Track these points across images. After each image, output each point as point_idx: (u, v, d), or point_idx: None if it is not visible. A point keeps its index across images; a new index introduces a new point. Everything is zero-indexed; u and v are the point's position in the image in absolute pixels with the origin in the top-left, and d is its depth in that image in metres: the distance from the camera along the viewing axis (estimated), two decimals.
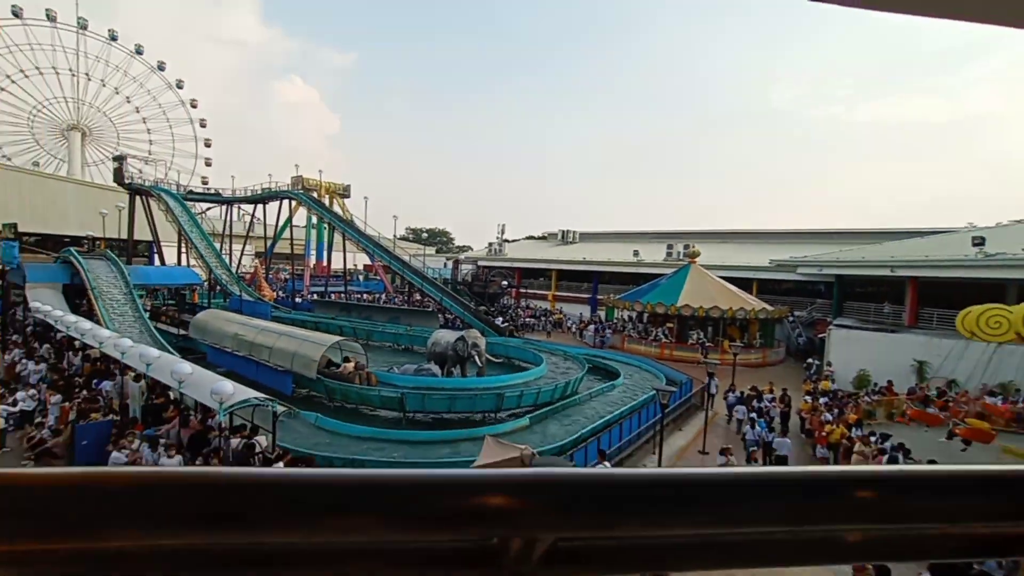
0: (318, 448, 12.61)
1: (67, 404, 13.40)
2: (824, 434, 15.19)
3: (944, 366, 18.62)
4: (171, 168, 71.23)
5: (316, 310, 36.61)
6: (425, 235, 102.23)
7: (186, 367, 11.19)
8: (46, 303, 21.68)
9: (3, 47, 60.14)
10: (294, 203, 46.88)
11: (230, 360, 20.40)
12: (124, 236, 41.10)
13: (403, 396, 16.04)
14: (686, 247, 38.37)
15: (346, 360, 18.97)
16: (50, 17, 61.80)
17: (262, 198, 46.84)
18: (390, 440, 13.63)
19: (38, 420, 13.74)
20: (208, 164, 74.85)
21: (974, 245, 24.42)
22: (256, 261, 53.09)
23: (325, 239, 52.54)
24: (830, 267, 31.31)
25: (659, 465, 11.49)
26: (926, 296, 26.94)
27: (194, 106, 73.19)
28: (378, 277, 55.71)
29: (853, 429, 15.43)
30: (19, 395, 14.38)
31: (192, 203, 46.15)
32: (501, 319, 37.50)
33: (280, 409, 11.03)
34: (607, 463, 11.24)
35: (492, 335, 31.08)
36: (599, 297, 44.93)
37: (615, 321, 38.89)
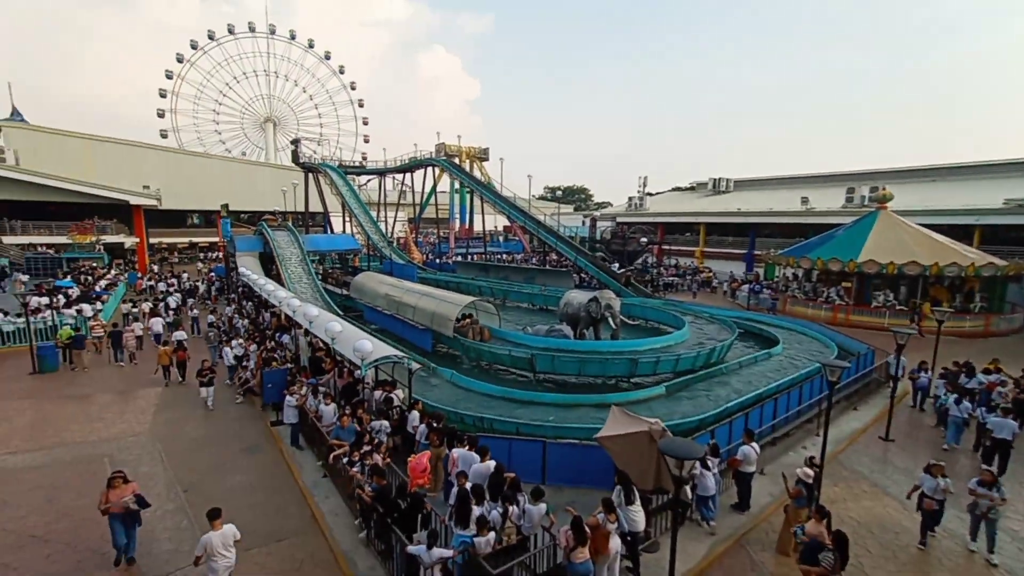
0: (451, 403, 13.28)
1: (260, 352, 16.18)
2: None
3: None
4: (337, 147, 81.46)
5: (458, 271, 38.81)
6: (560, 193, 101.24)
7: (337, 325, 12.51)
8: (249, 268, 26.40)
9: (224, 59, 74.12)
10: (438, 170, 49.69)
11: (382, 318, 22.64)
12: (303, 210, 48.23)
13: (533, 357, 16.04)
14: (872, 190, 31.55)
15: (466, 317, 19.48)
16: (252, 28, 74.47)
17: (409, 167, 50.52)
18: (516, 400, 13.75)
19: (244, 364, 16.87)
20: (367, 141, 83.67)
21: None
22: (407, 226, 58.18)
23: (467, 203, 55.07)
24: None
25: (823, 451, 9.61)
26: None
27: (353, 88, 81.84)
28: (517, 238, 57.01)
29: None
30: (234, 343, 17.77)
31: (352, 176, 51.93)
32: (638, 278, 35.53)
33: (415, 366, 11.73)
34: (755, 444, 9.77)
35: (629, 295, 29.64)
36: (756, 253, 39.84)
37: (776, 280, 34.16)
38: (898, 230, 26.56)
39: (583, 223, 63.20)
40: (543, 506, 7.37)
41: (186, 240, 58.40)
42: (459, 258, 47.98)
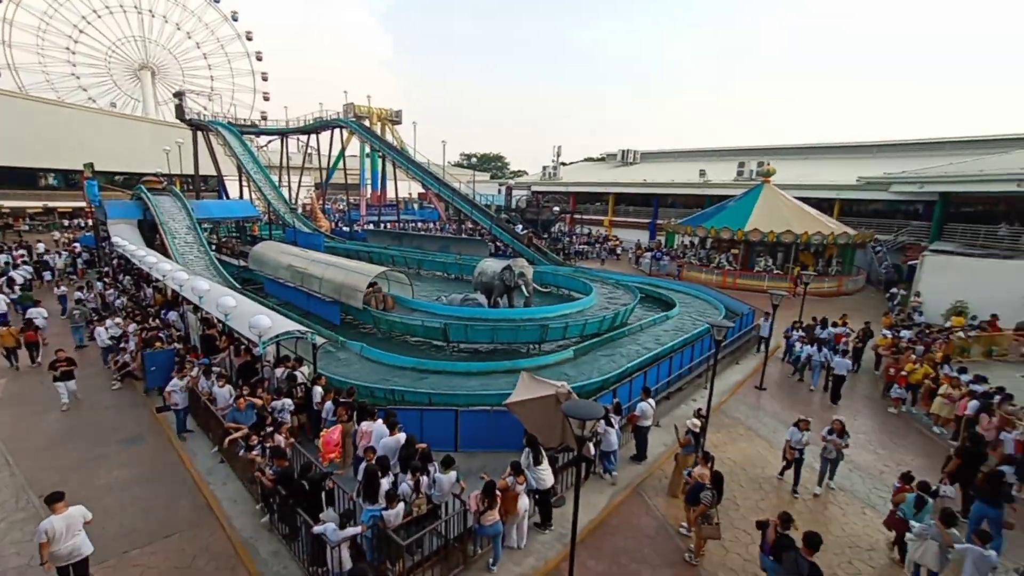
0: (360, 377, 12.93)
1: (141, 332, 14.48)
2: (904, 372, 13.61)
3: None
4: (232, 103, 72.91)
5: (370, 240, 37.26)
6: (476, 160, 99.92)
7: (231, 300, 11.48)
8: (124, 238, 23.26)
9: None
10: (347, 132, 46.58)
11: (285, 291, 21.22)
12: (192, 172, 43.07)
13: (446, 326, 15.99)
14: (760, 165, 34.60)
15: (370, 285, 19.02)
16: None
17: (314, 128, 46.86)
18: (429, 371, 13.72)
19: (121, 345, 15.02)
20: (266, 98, 75.43)
21: None
22: (313, 193, 54.37)
23: (379, 168, 52.46)
24: (935, 183, 27.02)
25: (709, 403, 10.73)
26: None
27: (249, 39, 72.88)
28: (432, 206, 55.69)
29: (941, 368, 13.71)
30: (108, 323, 15.69)
31: (250, 137, 47.18)
32: (551, 245, 36.51)
33: (319, 340, 11.18)
34: (651, 400, 10.64)
35: (542, 263, 30.37)
36: (659, 222, 42.41)
37: (675, 248, 36.74)
38: (778, 201, 29.56)
39: (499, 191, 63.15)
40: (453, 474, 7.51)
41: (39, 204, 49.87)
42: (370, 226, 45.99)
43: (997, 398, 11.25)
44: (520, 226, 38.18)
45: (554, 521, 8.18)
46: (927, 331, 17.57)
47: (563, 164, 60.61)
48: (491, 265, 20.45)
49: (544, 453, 8.12)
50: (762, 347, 16.19)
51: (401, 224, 50.55)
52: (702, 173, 41.85)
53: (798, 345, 15.76)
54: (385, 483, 6.93)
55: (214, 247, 28.24)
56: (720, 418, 12.47)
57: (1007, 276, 20.06)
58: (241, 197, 43.95)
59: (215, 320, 14.04)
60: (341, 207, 60.69)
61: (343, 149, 50.92)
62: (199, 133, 43.81)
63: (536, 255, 31.62)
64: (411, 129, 54.88)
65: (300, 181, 52.86)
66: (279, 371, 11.27)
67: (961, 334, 16.63)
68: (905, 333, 16.99)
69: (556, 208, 42.36)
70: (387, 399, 11.63)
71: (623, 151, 57.36)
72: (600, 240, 44.30)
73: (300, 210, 44.78)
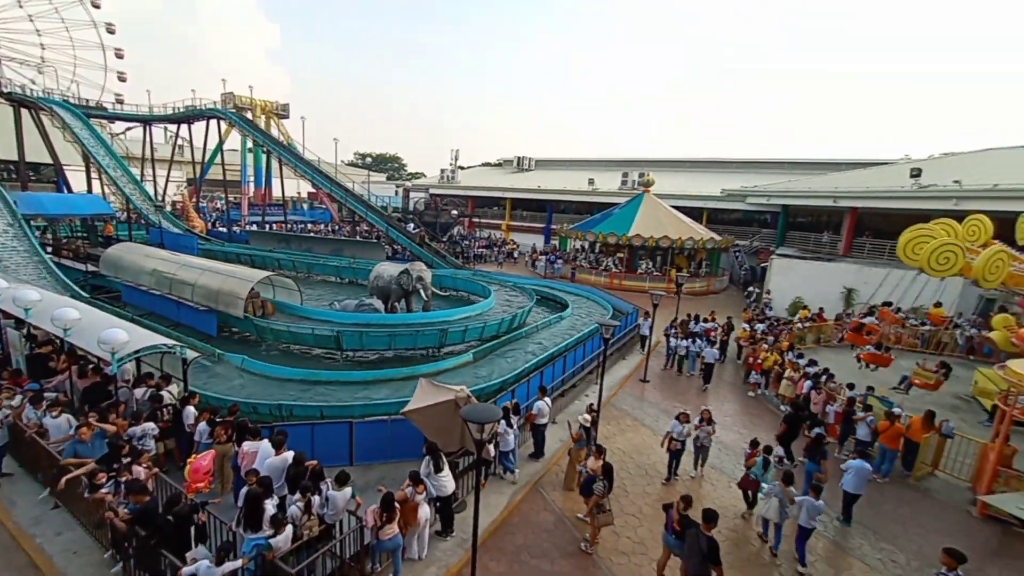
0: (243, 393, 11.81)
1: None
2: (759, 360, 15.71)
3: (870, 293, 19.42)
4: (73, 80, 61.95)
5: (252, 242, 34.17)
6: (371, 160, 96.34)
7: (72, 312, 9.77)
8: None
9: None
10: (225, 124, 42.10)
11: (149, 300, 18.68)
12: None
13: (339, 334, 15.20)
14: (641, 175, 37.67)
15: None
16: None
17: (185, 117, 41.81)
18: (321, 382, 12.94)
19: None
20: (122, 79, 65.04)
21: (911, 177, 24.95)
22: (185, 189, 48.44)
23: (263, 164, 48.17)
24: (778, 197, 31.60)
25: (600, 398, 11.45)
26: (862, 226, 27.83)
27: (96, 6, 62.29)
28: (324, 206, 52.50)
29: (786, 355, 16.03)
30: None
31: (101, 122, 40.70)
32: (451, 249, 36.43)
33: (190, 355, 9.98)
34: (547, 399, 11.08)
35: (441, 267, 30.16)
36: (553, 227, 44.27)
37: (568, 251, 38.63)
38: (657, 210, 32.47)
39: (396, 193, 61.45)
40: (348, 490, 7.16)
41: None
42: (253, 227, 42.19)
43: (824, 378, 13.46)
44: (412, 225, 37.59)
45: (456, 527, 8.16)
46: (776, 324, 20.44)
47: (461, 168, 60.76)
48: (388, 269, 19.87)
49: (445, 459, 8.08)
50: (646, 344, 17.64)
51: (289, 225, 46.98)
52: (591, 182, 44.52)
53: (672, 341, 17.50)
54: (270, 507, 6.39)
55: (49, 249, 23.90)
56: (610, 411, 13.35)
57: (829, 276, 24.12)
58: (90, 191, 37.70)
59: (52, 336, 11.89)
60: (219, 206, 54.77)
61: (221, 142, 45.91)
62: (25, 111, 36.71)
63: (434, 258, 31.34)
64: (300, 124, 51.39)
65: (168, 176, 46.81)
66: (139, 392, 9.86)
67: (799, 325, 19.62)
68: (759, 326, 19.58)
69: (455, 211, 42.40)
70: (273, 415, 10.75)
71: (519, 158, 59.02)
72: (498, 244, 45.10)
73: (169, 208, 39.66)
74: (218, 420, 8.81)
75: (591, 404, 10.92)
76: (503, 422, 9.36)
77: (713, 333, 18.10)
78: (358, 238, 37.72)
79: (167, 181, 46.53)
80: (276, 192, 49.71)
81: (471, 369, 14.78)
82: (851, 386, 12.85)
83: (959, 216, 14.88)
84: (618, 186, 43.17)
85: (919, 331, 18.95)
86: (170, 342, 10.26)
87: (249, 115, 44.27)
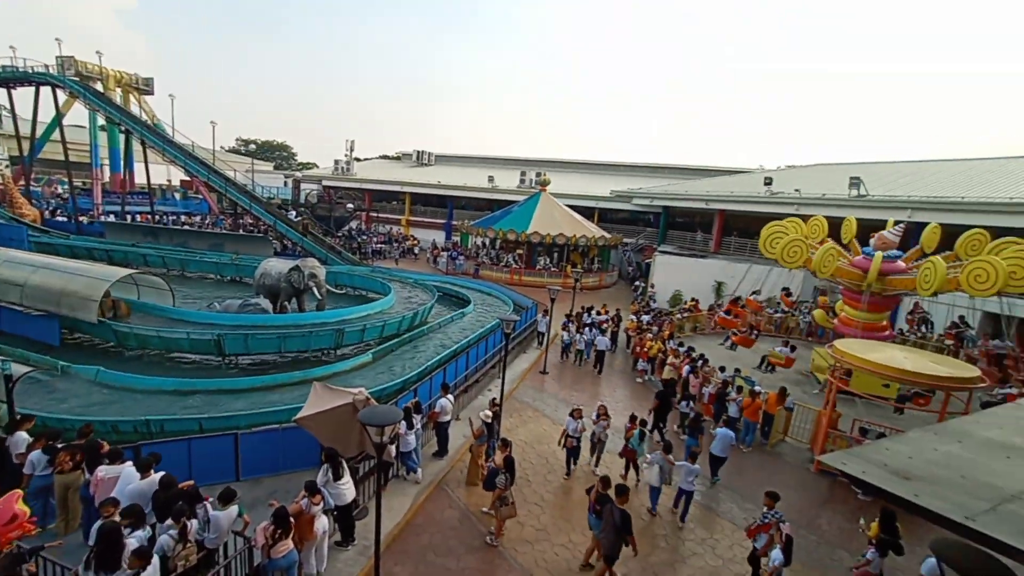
0: (98, 411, 10.25)
1: None
2: (645, 349, 17.12)
3: (735, 285, 22.15)
4: None
5: (109, 235, 29.64)
6: (255, 147, 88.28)
7: None
8: None
9: None
10: (65, 94, 35.58)
11: None
12: None
13: (220, 338, 13.79)
14: (538, 175, 38.94)
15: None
16: None
17: (3, 80, 34.76)
18: (199, 392, 11.66)
19: None
20: None
21: (765, 184, 28.83)
22: (8, 169, 40.24)
23: (121, 146, 41.59)
24: (660, 199, 34.66)
25: (502, 392, 11.71)
26: (729, 226, 31.56)
27: None
28: (200, 196, 46.94)
29: (668, 343, 17.66)
30: None
31: None
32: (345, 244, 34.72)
33: (17, 369, 8.39)
34: (450, 396, 11.07)
35: (336, 263, 28.66)
36: (454, 223, 44.11)
37: (470, 248, 38.76)
38: (553, 208, 33.81)
39: (285, 184, 56.93)
40: (234, 508, 6.56)
41: None
42: (111, 218, 36.53)
43: (700, 362, 15.07)
44: (294, 212, 35.05)
45: (358, 534, 7.87)
46: (659, 315, 22.41)
47: (357, 160, 58.04)
48: (276, 266, 18.45)
49: (345, 466, 7.73)
50: (543, 339, 18.34)
51: (157, 217, 41.34)
52: (491, 179, 45.07)
53: (566, 335, 18.43)
54: (134, 541, 5.62)
55: None
56: (512, 404, 13.71)
57: (702, 271, 27.02)
58: None
59: None
60: (60, 191, 46.38)
61: (59, 115, 38.65)
62: None
63: (329, 254, 29.68)
64: (168, 104, 44.95)
65: None
66: None
67: (679, 315, 21.72)
68: (645, 317, 21.32)
69: (350, 205, 40.44)
70: (140, 433, 9.49)
71: (418, 152, 57.85)
72: (398, 239, 43.88)
73: None
74: (60, 446, 7.52)
75: (493, 399, 11.12)
76: (404, 423, 9.20)
77: (605, 324, 19.37)
78: (241, 232, 34.39)
79: None
80: (140, 179, 43.38)
81: (371, 370, 14.28)
82: (723, 369, 14.55)
83: (804, 218, 17.48)
84: (517, 184, 44.20)
85: (773, 318, 21.98)
86: None
87: (100, 87, 38.07)
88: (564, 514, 9.18)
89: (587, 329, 18.18)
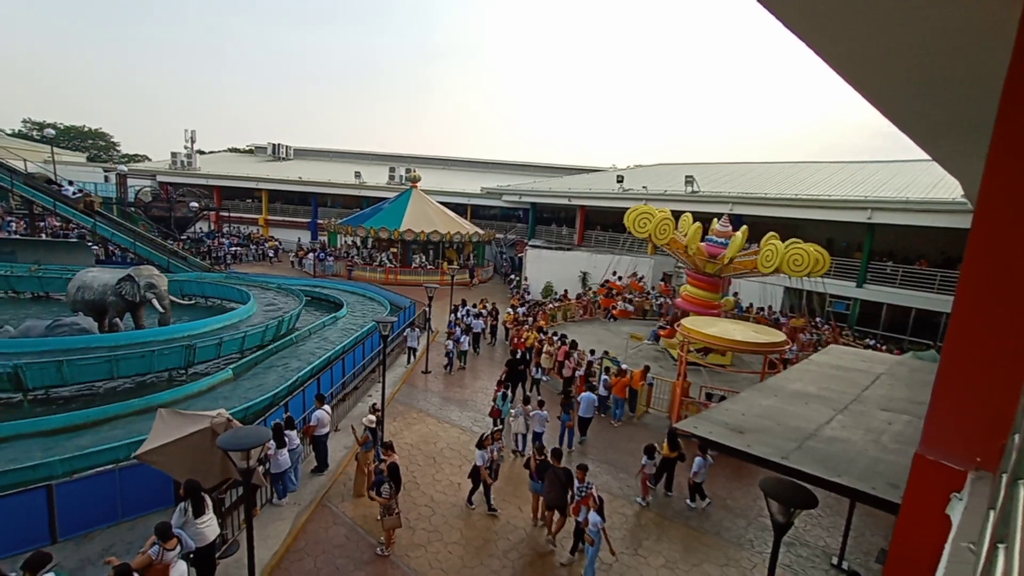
0: None
1: None
2: (522, 340, 17.84)
3: (599, 275, 24.24)
4: None
5: None
6: (53, 132, 72.66)
7: None
8: None
9: None
10: None
11: None
12: None
13: (18, 369, 11.17)
14: (408, 171, 38.13)
15: None
16: None
17: None
18: None
19: None
20: None
21: (617, 182, 31.81)
22: None
23: None
24: (528, 196, 36.27)
25: (383, 396, 11.31)
26: (590, 221, 34.24)
27: None
28: None
29: (543, 332, 18.63)
30: None
31: None
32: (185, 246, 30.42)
33: None
34: (326, 407, 10.39)
35: (182, 270, 25.03)
36: (320, 222, 41.23)
37: (339, 247, 36.58)
38: (426, 205, 33.42)
39: (106, 179, 47.76)
40: None
41: None
42: None
43: (574, 352, 16.16)
44: (68, 189, 28.12)
45: (229, 572, 7.04)
46: (534, 306, 23.50)
47: (201, 153, 51.07)
48: (98, 277, 15.56)
49: (208, 500, 6.84)
50: (414, 354, 17.49)
51: None
52: (358, 175, 42.97)
53: (451, 343, 18.35)
54: None
55: None
56: (395, 407, 13.34)
57: (569, 262, 28.96)
58: None
59: None
60: None
61: None
62: None
63: (172, 260, 25.82)
64: None
65: None
66: None
67: (551, 305, 23.02)
68: (520, 309, 22.22)
69: (195, 204, 35.60)
70: None
71: (274, 145, 52.85)
72: (257, 241, 39.70)
73: None
74: None
75: (374, 404, 10.71)
76: (272, 442, 8.43)
77: (484, 316, 19.77)
78: (44, 237, 28.17)
79: None
80: None
81: (234, 388, 12.79)
82: (592, 352, 15.78)
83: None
84: (386, 180, 42.79)
85: (634, 301, 24.45)
86: None
87: None
88: (455, 512, 9.23)
89: (469, 328, 18.31)
